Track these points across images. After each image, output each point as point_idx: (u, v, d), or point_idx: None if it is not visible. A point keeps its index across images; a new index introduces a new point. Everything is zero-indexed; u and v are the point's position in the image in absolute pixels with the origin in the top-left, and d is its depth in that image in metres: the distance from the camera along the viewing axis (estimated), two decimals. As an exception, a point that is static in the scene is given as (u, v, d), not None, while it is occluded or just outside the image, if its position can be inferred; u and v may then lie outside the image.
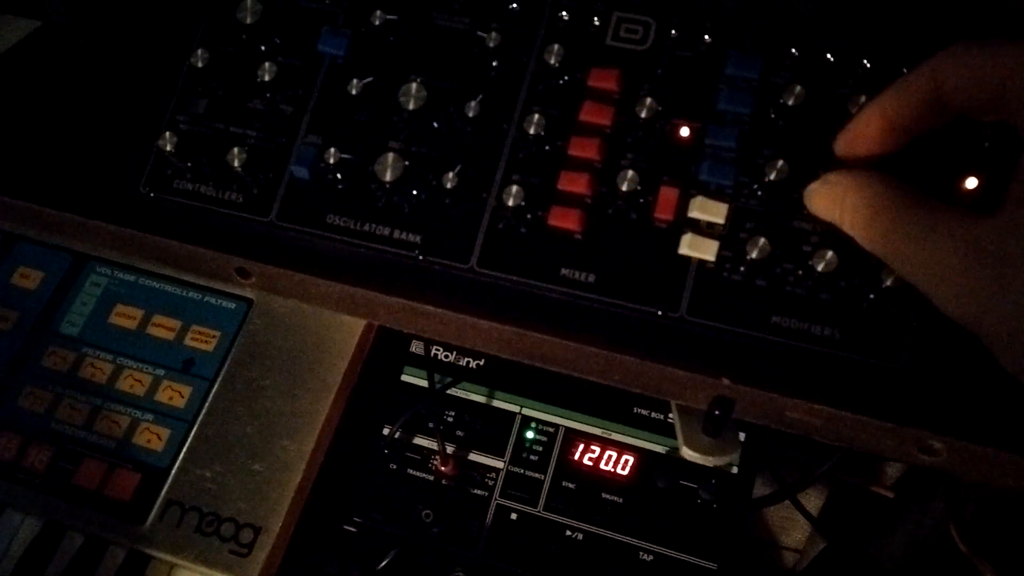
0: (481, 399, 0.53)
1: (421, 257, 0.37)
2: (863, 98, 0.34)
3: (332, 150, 0.36)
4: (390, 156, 0.36)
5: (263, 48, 0.39)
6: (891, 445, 0.36)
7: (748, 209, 0.34)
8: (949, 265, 0.28)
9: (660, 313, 0.35)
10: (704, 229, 0.35)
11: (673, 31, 0.36)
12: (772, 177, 0.34)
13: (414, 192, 0.37)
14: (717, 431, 0.38)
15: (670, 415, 0.51)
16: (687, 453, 0.39)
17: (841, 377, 0.34)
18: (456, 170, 0.36)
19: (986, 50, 0.29)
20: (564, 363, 0.38)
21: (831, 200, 0.32)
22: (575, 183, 0.36)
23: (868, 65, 0.35)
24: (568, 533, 0.50)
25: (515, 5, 0.38)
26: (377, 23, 0.38)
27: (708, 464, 0.39)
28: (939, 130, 0.32)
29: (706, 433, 0.39)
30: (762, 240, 0.33)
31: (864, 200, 0.31)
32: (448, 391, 0.53)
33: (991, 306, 0.28)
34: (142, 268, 0.55)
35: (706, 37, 0.36)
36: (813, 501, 0.62)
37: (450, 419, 0.53)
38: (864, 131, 0.32)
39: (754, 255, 0.33)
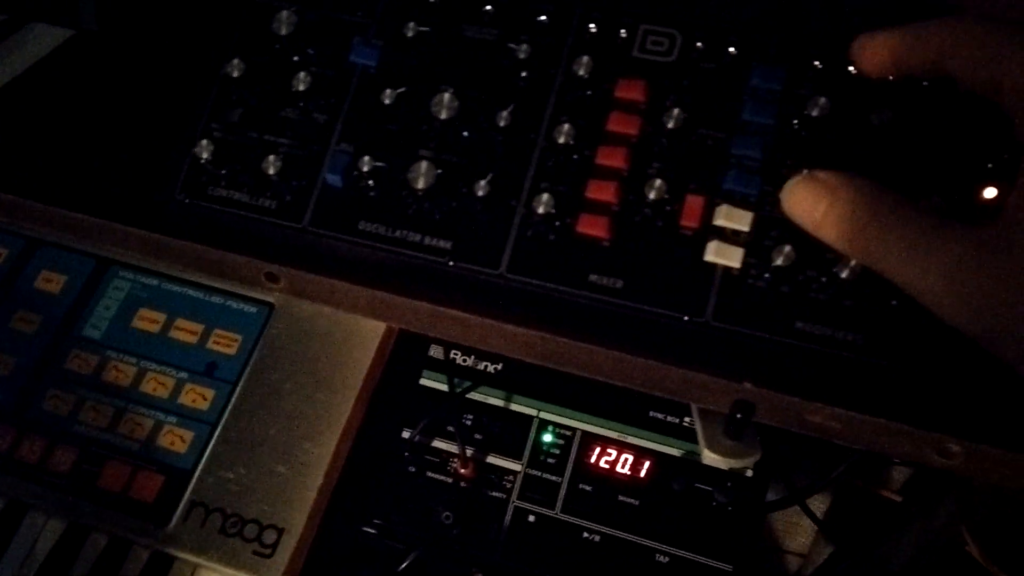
0: (499, 403, 0.54)
1: (452, 263, 0.37)
2: (887, 111, 0.35)
3: (366, 158, 0.37)
4: (423, 164, 0.37)
5: (296, 58, 0.40)
6: (909, 449, 0.37)
7: (772, 217, 0.35)
8: (952, 272, 0.28)
9: (686, 319, 0.35)
10: (729, 237, 0.35)
11: (699, 43, 0.37)
12: (796, 186, 0.35)
13: (446, 199, 0.37)
14: (739, 434, 0.39)
15: (687, 419, 0.52)
16: (709, 456, 0.40)
17: (863, 381, 0.35)
18: (488, 178, 0.37)
19: (988, 38, 0.29)
20: (588, 367, 0.39)
21: (814, 198, 0.31)
22: (603, 191, 0.36)
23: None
24: (585, 535, 0.50)
25: (544, 17, 0.39)
26: (409, 35, 0.39)
27: (730, 467, 0.40)
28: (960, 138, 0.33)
29: (727, 436, 0.40)
30: (787, 248, 0.34)
31: (855, 202, 0.30)
32: (467, 395, 0.54)
33: (1000, 312, 0.27)
34: (164, 273, 0.56)
35: (731, 49, 0.37)
36: (819, 505, 0.63)
37: (468, 422, 0.53)
38: (870, 55, 0.33)
39: (779, 262, 0.34)
